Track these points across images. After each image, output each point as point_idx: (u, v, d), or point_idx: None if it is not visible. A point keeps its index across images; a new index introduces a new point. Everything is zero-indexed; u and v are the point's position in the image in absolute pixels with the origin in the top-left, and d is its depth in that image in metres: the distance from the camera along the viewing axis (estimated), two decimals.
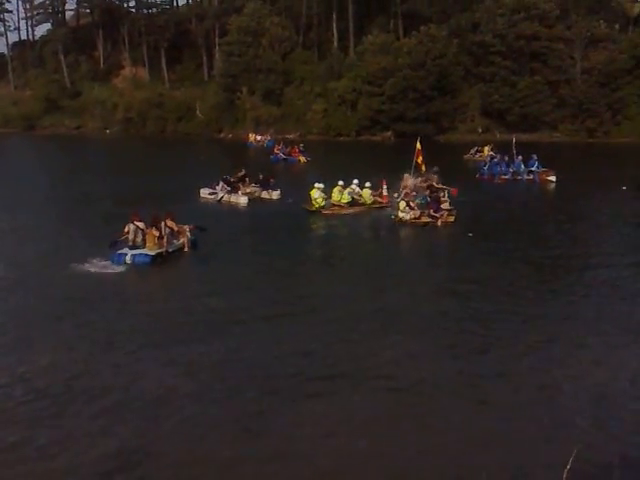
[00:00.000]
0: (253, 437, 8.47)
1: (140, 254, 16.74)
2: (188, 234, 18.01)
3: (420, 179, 26.21)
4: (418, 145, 26.40)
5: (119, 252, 16.77)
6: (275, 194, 27.08)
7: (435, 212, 21.67)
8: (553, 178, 30.96)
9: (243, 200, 26.37)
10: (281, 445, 8.27)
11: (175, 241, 17.84)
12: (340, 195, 24.05)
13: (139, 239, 17.15)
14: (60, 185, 32.96)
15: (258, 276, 15.82)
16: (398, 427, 8.67)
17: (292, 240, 19.81)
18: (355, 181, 24.60)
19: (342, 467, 7.82)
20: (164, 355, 10.93)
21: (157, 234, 17.05)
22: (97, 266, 16.17)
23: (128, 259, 16.58)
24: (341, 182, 24.27)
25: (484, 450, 8.12)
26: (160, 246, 17.10)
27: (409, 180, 26.37)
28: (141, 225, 17.19)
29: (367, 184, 24.37)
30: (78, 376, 10.12)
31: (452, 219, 21.67)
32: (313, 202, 23.82)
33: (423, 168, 26.33)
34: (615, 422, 8.76)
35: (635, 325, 12.33)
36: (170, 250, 17.39)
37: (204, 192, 27.39)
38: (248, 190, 27.29)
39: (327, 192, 24.11)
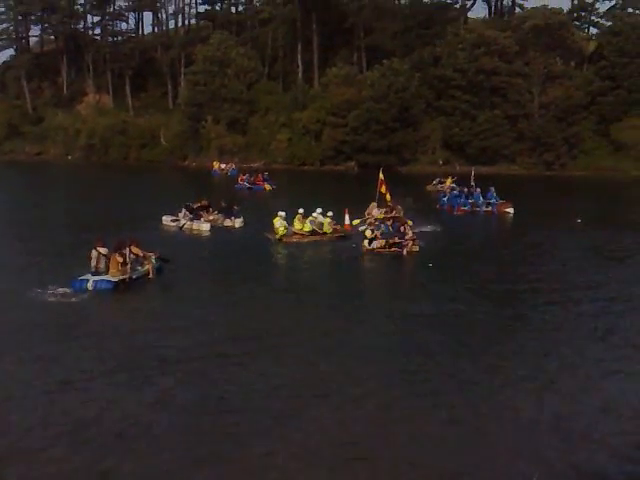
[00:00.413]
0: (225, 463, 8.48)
1: (102, 280, 16.49)
2: (153, 261, 17.86)
3: (384, 209, 26.67)
4: (381, 175, 26.94)
5: (80, 278, 16.58)
6: (238, 222, 27.14)
7: (400, 240, 21.95)
8: (511, 210, 31.63)
9: (205, 227, 26.37)
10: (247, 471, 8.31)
11: (139, 267, 17.65)
12: (301, 224, 24.26)
13: (102, 265, 16.97)
14: (19, 211, 32.53)
15: (221, 306, 15.78)
16: (365, 456, 8.76)
17: (254, 268, 19.81)
18: (318, 210, 24.82)
19: None
20: (123, 389, 10.80)
21: (121, 260, 16.83)
22: (57, 293, 15.89)
23: (90, 285, 16.34)
24: (301, 210, 24.48)
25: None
26: (123, 272, 16.87)
27: (374, 209, 26.83)
28: (104, 251, 17.03)
29: (328, 213, 24.62)
30: (33, 410, 9.95)
31: (417, 248, 21.98)
32: (275, 230, 23.98)
33: (388, 197, 26.79)
34: (578, 449, 9.00)
35: (596, 351, 12.72)
36: (134, 277, 17.20)
37: (166, 219, 27.32)
38: (211, 217, 27.33)
39: (289, 221, 24.32)
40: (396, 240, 22.02)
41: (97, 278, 16.58)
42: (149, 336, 13.46)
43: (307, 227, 24.26)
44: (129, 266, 17.10)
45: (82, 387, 10.81)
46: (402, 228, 22.72)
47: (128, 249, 17.29)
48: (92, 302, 15.74)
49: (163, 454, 8.66)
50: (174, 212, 27.42)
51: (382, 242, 22.01)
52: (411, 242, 21.97)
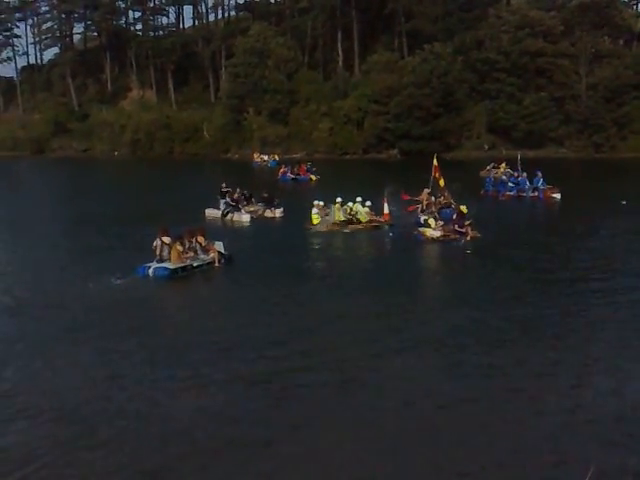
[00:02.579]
0: (260, 461, 8.39)
1: (160, 267, 17.19)
2: (222, 250, 18.38)
3: (439, 196, 26.31)
4: (435, 161, 26.56)
5: (144, 265, 17.32)
6: (278, 212, 27.16)
7: (460, 228, 21.47)
8: (558, 195, 30.76)
9: (246, 218, 26.48)
10: (291, 457, 8.28)
11: (204, 256, 18.20)
12: (339, 213, 24.12)
13: (165, 253, 17.67)
14: (72, 206, 33.28)
15: (264, 297, 15.70)
16: (405, 443, 8.65)
17: (295, 259, 19.78)
18: (358, 199, 24.57)
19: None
20: (171, 376, 10.88)
21: (180, 249, 17.54)
22: (122, 280, 16.57)
23: (150, 272, 17.11)
24: (339, 199, 24.29)
25: (501, 471, 8.07)
26: (183, 260, 17.57)
27: (425, 195, 26.54)
28: (167, 240, 17.68)
29: (367, 203, 24.33)
30: (94, 396, 10.11)
31: (478, 234, 21.40)
32: (310, 220, 23.96)
33: (442, 183, 26.35)
34: (631, 438, 8.66)
35: None
36: (195, 265, 17.77)
37: (209, 212, 27.54)
38: (251, 208, 27.44)
39: (330, 210, 24.23)
40: (456, 227, 21.50)
41: (156, 265, 17.28)
42: (195, 322, 13.79)
43: (342, 216, 24.08)
44: (190, 254, 17.82)
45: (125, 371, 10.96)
46: (457, 215, 22.21)
47: (194, 238, 18.13)
48: (149, 287, 16.56)
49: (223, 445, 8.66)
50: (216, 205, 27.65)
51: (445, 230, 21.50)
52: (469, 228, 21.48)
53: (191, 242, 18.26)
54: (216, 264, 18.21)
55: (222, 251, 18.42)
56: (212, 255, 18.26)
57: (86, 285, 16.32)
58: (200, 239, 18.29)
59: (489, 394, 10.13)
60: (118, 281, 16.47)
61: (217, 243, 18.58)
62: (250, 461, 8.26)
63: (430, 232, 21.57)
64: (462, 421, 9.23)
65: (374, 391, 10.24)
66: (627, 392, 10.00)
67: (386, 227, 23.82)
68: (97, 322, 13.66)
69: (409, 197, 27.19)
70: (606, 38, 61.78)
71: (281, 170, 44.11)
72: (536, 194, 31.45)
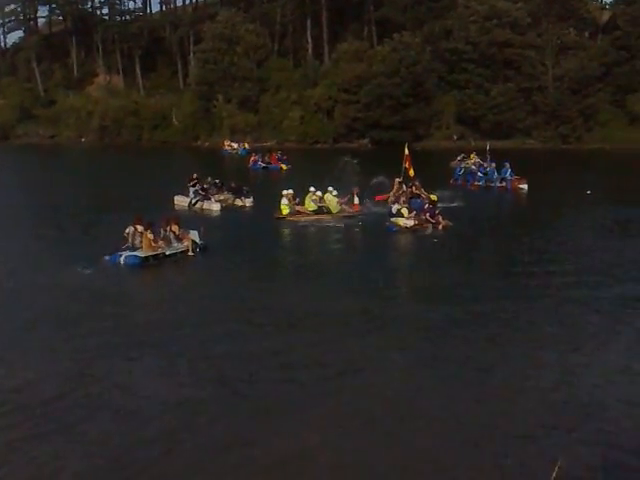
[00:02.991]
0: (243, 447, 8.52)
1: (131, 256, 17.32)
2: (197, 239, 18.43)
3: (410, 185, 26.54)
4: (406, 151, 26.79)
5: (116, 254, 17.43)
6: (248, 202, 27.20)
7: (432, 217, 21.71)
8: (525, 186, 31.29)
9: (216, 207, 26.51)
10: (270, 454, 8.32)
11: (177, 244, 18.30)
12: (309, 202, 24.26)
13: (137, 241, 17.78)
14: (38, 194, 32.91)
15: (231, 285, 15.83)
16: (380, 434, 8.79)
17: (265, 249, 19.94)
18: (330, 189, 24.72)
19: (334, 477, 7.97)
20: (141, 367, 10.98)
21: (151, 237, 17.62)
22: (91, 269, 16.59)
23: (121, 260, 17.24)
24: (312, 189, 24.44)
25: (467, 456, 8.23)
26: (154, 249, 17.63)
27: (397, 184, 26.74)
28: (140, 228, 17.74)
29: (334, 192, 24.48)
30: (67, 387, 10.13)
31: (451, 223, 21.69)
32: (279, 209, 24.10)
33: (412, 173, 26.62)
34: (599, 430, 8.88)
35: (618, 329, 12.56)
36: (168, 253, 17.88)
37: (178, 199, 27.53)
38: (221, 197, 27.46)
39: (301, 199, 24.40)
40: (428, 217, 21.75)
41: (127, 253, 17.41)
42: (165, 312, 13.86)
43: (312, 206, 24.23)
44: (161, 243, 17.92)
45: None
46: (427, 204, 22.46)
47: (165, 227, 18.31)
48: (120, 276, 16.65)
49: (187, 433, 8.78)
50: (185, 192, 27.62)
51: (418, 219, 21.72)
52: (441, 217, 21.73)
53: (165, 230, 18.34)
54: (190, 253, 18.25)
55: (197, 240, 18.45)
56: (186, 244, 18.31)
57: (55, 274, 16.26)
58: (174, 228, 18.44)
59: (457, 383, 10.31)
60: (87, 270, 16.45)
61: (192, 232, 18.61)
62: (228, 459, 8.28)
63: (403, 221, 21.79)
64: (430, 409, 9.45)
65: (349, 381, 10.42)
66: (596, 386, 10.22)
67: (356, 218, 24.01)
68: (66, 312, 13.65)
69: (382, 198, 27.03)
70: (572, 30, 62.55)
71: (252, 158, 44.00)
72: (504, 184, 31.96)
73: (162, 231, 18.27)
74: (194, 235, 18.54)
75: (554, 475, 5.65)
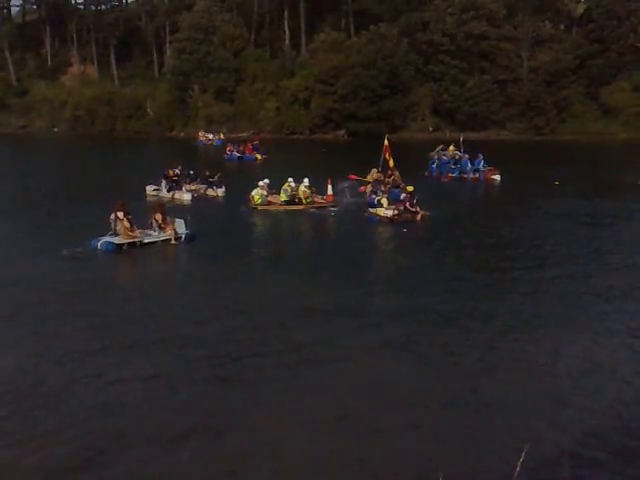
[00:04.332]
0: (217, 435, 8.46)
1: (106, 242, 17.55)
2: (183, 228, 18.52)
3: (387, 175, 26.60)
4: (386, 142, 26.85)
5: (96, 238, 17.65)
6: (220, 191, 27.06)
7: (411, 207, 21.64)
8: (497, 177, 31.49)
9: (187, 197, 26.34)
10: (244, 444, 8.25)
11: (157, 233, 18.43)
12: (282, 193, 24.18)
13: (118, 228, 17.98)
14: (9, 184, 32.29)
15: (198, 276, 15.81)
16: (356, 427, 8.72)
17: (239, 238, 19.81)
18: (305, 180, 24.64)
19: (306, 466, 7.87)
20: (114, 357, 10.78)
21: (127, 225, 17.85)
22: (70, 253, 16.87)
23: (99, 245, 17.46)
24: (290, 179, 24.37)
25: (439, 448, 8.21)
26: (131, 236, 17.87)
27: (375, 175, 26.78)
28: (120, 215, 17.93)
29: (305, 182, 24.39)
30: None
31: (428, 213, 21.73)
32: (251, 199, 24.05)
33: (391, 164, 26.71)
34: (566, 417, 8.92)
35: (591, 318, 12.63)
36: (146, 241, 18.09)
37: (149, 189, 27.35)
38: (192, 187, 27.31)
39: (277, 189, 24.34)
40: (408, 206, 21.67)
41: (104, 239, 17.61)
42: (137, 301, 13.72)
43: (283, 197, 24.17)
44: (138, 231, 18.12)
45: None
46: (404, 195, 22.45)
47: (149, 215, 18.66)
48: (97, 262, 16.87)
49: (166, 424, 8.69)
50: (157, 182, 27.43)
51: (397, 209, 21.64)
52: (418, 207, 21.72)
53: (150, 219, 18.56)
54: (172, 242, 18.32)
55: (184, 229, 18.59)
56: (168, 233, 18.42)
57: (30, 261, 16.38)
58: (157, 216, 18.55)
59: (430, 369, 10.36)
60: (65, 251, 16.87)
61: (178, 221, 18.75)
62: (203, 449, 8.20)
63: (383, 212, 21.78)
64: (406, 396, 9.45)
65: (324, 369, 10.36)
66: (567, 372, 10.29)
67: (328, 208, 23.97)
68: (39, 300, 13.51)
69: (356, 177, 27.42)
70: (547, 23, 62.99)
71: (228, 148, 43.81)
72: (477, 175, 32.11)
73: (149, 219, 18.54)
74: (180, 224, 18.64)
75: (521, 460, 5.66)
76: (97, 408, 9.09)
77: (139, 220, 18.54)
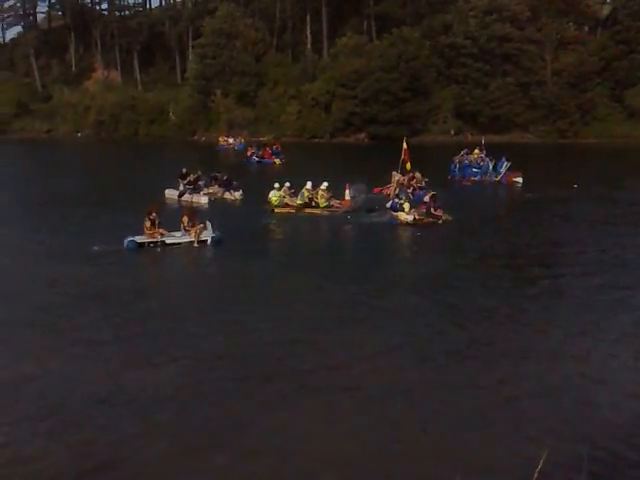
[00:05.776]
0: (233, 436, 8.43)
1: (130, 240, 18.41)
2: (210, 231, 19.03)
3: (406, 177, 26.51)
4: (405, 144, 26.73)
5: (127, 237, 18.54)
6: (238, 195, 27.07)
7: (434, 210, 21.46)
8: (519, 180, 31.16)
9: (204, 200, 26.35)
10: (260, 443, 8.24)
11: (179, 234, 19.04)
12: (299, 197, 24.08)
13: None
14: (34, 187, 32.76)
15: (217, 278, 15.90)
16: (372, 428, 8.66)
17: (258, 241, 19.90)
18: (324, 184, 24.49)
19: (323, 465, 7.85)
20: (122, 353, 10.88)
21: (148, 225, 18.67)
22: (100, 250, 17.80)
23: (125, 243, 18.33)
24: (309, 184, 24.25)
25: (457, 450, 8.12)
26: (151, 236, 18.64)
27: (396, 177, 26.66)
28: (152, 217, 18.86)
29: (323, 186, 24.22)
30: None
31: (450, 217, 21.53)
32: (268, 202, 24.02)
33: (408, 166, 26.62)
34: (586, 423, 8.77)
35: (610, 322, 12.40)
36: (168, 242, 18.73)
37: (169, 193, 27.46)
38: (210, 190, 27.35)
39: (296, 193, 24.22)
40: (432, 210, 21.40)
41: (129, 238, 18.48)
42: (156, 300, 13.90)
43: (299, 200, 24.05)
44: (157, 231, 18.77)
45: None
46: (428, 197, 22.25)
47: (186, 218, 19.28)
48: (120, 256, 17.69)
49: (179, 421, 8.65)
50: (176, 186, 27.58)
51: (419, 213, 21.46)
52: (441, 211, 21.51)
53: (179, 222, 19.25)
54: (195, 244, 18.81)
55: (211, 233, 19.01)
56: (192, 235, 18.85)
57: (52, 265, 16.75)
58: (184, 219, 19.25)
59: (449, 376, 10.20)
60: (96, 248, 17.89)
61: (207, 225, 19.31)
62: (220, 444, 8.23)
63: (404, 216, 21.62)
64: (420, 403, 9.33)
65: (342, 371, 10.32)
66: (586, 378, 10.12)
67: (345, 213, 23.72)
68: (66, 304, 13.67)
69: (379, 189, 27.14)
70: (571, 25, 62.32)
71: (249, 152, 43.96)
72: (499, 178, 31.82)
73: (179, 222, 19.27)
74: (208, 228, 19.16)
75: (540, 466, 5.50)
76: (119, 404, 9.15)
77: (167, 222, 19.18)
